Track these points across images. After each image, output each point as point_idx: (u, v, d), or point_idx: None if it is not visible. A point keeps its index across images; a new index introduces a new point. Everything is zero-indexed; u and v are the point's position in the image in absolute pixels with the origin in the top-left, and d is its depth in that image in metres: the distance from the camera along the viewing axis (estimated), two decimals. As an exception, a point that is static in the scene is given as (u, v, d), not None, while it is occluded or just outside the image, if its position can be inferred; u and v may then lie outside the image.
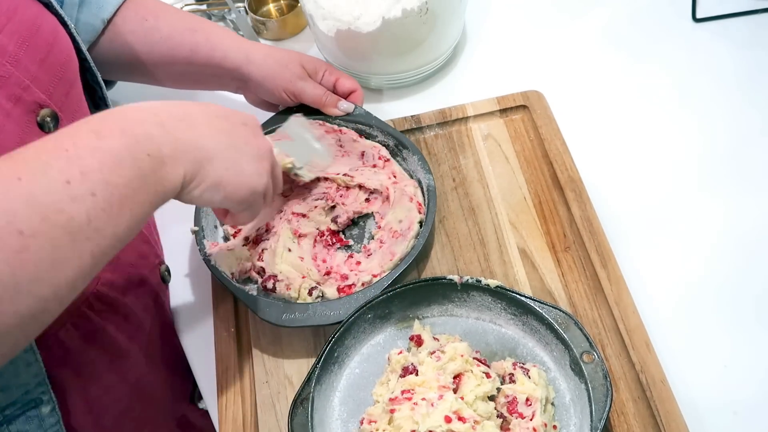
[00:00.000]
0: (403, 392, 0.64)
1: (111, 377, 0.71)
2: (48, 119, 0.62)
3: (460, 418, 0.61)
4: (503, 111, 0.91)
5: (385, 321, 0.74)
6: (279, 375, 0.73)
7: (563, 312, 0.69)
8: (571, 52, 1.00)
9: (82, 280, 0.48)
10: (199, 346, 0.79)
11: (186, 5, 1.12)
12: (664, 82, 0.95)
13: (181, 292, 0.84)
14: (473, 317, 0.74)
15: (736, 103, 0.91)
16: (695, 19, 1.01)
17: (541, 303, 0.70)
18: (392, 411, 0.63)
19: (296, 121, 0.83)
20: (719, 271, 0.78)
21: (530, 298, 0.71)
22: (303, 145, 0.82)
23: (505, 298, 0.72)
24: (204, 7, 1.12)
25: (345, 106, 0.85)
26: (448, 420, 0.60)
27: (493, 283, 0.72)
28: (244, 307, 0.78)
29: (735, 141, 0.88)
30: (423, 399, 0.62)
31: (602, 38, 1.01)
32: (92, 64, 0.75)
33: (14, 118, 0.59)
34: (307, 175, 0.81)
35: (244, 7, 1.07)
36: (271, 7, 1.12)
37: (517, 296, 0.71)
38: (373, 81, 0.97)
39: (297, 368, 0.74)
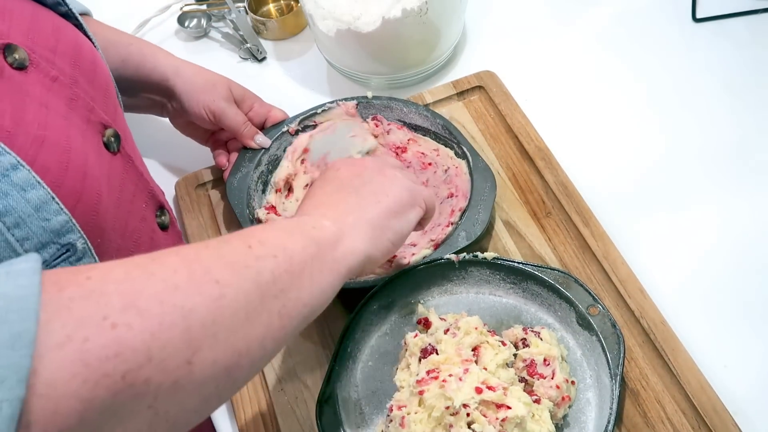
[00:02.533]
0: (428, 372, 0.64)
1: None
2: (112, 139, 0.64)
3: (489, 387, 0.62)
4: (460, 94, 0.93)
5: (389, 310, 0.75)
6: (293, 380, 0.73)
7: (561, 272, 0.72)
8: (572, 52, 1.00)
9: (271, 342, 0.49)
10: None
11: (186, 5, 1.11)
12: (664, 82, 0.95)
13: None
14: (473, 292, 0.76)
15: (735, 102, 0.91)
16: (695, 19, 1.00)
17: (539, 267, 0.73)
18: (421, 392, 0.63)
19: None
20: (715, 269, 0.78)
21: (528, 264, 0.73)
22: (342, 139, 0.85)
23: (503, 268, 0.74)
24: (204, 7, 1.11)
25: (261, 140, 0.85)
26: (479, 391, 0.62)
27: (490, 255, 0.74)
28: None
29: (734, 140, 0.87)
30: (450, 375, 0.63)
31: (603, 38, 1.01)
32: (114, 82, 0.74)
33: (89, 139, 0.59)
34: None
35: (244, 7, 1.07)
36: (271, 7, 1.12)
37: (515, 264, 0.73)
38: (373, 81, 0.97)
39: (310, 370, 0.73)
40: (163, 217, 0.73)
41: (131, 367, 0.38)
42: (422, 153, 0.86)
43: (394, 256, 0.76)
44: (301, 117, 0.88)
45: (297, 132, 0.88)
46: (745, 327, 0.73)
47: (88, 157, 0.58)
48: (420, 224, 0.67)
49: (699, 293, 0.76)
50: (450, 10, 0.91)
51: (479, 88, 0.93)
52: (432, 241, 0.77)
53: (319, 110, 0.88)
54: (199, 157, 0.90)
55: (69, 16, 0.68)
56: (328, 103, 0.88)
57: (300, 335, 0.75)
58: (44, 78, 0.59)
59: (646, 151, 0.88)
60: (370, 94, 0.88)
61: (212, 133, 0.88)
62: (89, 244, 0.55)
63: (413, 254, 0.76)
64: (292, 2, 1.12)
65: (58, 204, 0.53)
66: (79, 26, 0.69)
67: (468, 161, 0.82)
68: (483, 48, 1.02)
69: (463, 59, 1.01)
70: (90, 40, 0.70)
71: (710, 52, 0.97)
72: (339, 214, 0.58)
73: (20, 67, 0.57)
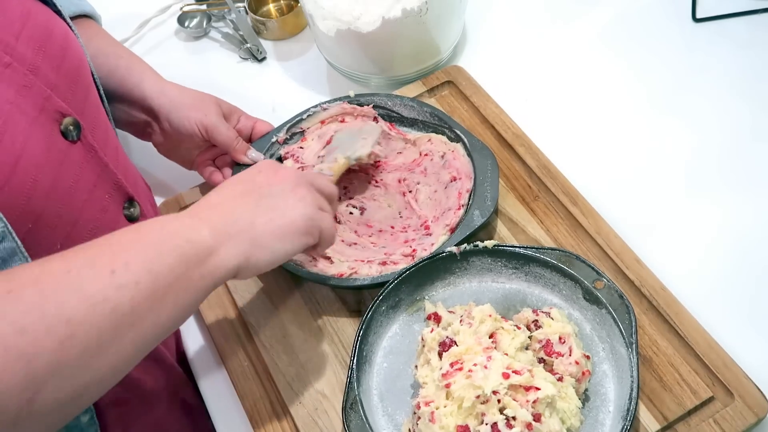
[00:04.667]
0: (452, 365, 0.65)
1: (142, 392, 0.71)
2: (71, 128, 0.63)
3: (515, 372, 0.63)
4: (430, 90, 0.94)
5: (397, 310, 0.75)
6: (310, 391, 0.72)
7: (561, 251, 0.74)
8: (572, 52, 1.01)
9: (124, 367, 0.51)
10: (214, 389, 0.76)
11: (186, 5, 1.10)
12: (664, 82, 0.95)
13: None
14: (476, 282, 0.77)
15: (735, 102, 0.91)
16: (695, 19, 1.00)
17: (539, 249, 0.74)
18: (448, 386, 0.64)
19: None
20: (706, 238, 0.79)
21: (528, 247, 0.74)
22: (348, 133, 0.85)
23: (505, 254, 0.75)
24: (204, 7, 1.09)
25: (254, 155, 0.84)
26: (506, 376, 0.62)
27: (490, 243, 0.75)
28: (251, 341, 0.76)
29: (734, 140, 0.88)
30: (475, 365, 0.64)
31: (603, 38, 1.01)
32: (92, 65, 0.74)
33: (40, 125, 0.58)
34: (363, 153, 0.82)
35: (244, 7, 1.06)
36: (271, 7, 1.12)
37: (516, 249, 0.74)
38: (373, 81, 0.96)
39: (325, 380, 0.73)
40: (132, 209, 0.72)
41: None
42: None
43: (414, 250, 0.77)
44: (287, 125, 0.87)
45: (285, 141, 0.87)
46: (743, 327, 0.74)
47: (29, 142, 0.58)
48: (312, 250, 0.67)
49: (693, 258, 0.79)
50: (450, 11, 0.92)
51: (449, 83, 0.94)
52: (447, 226, 0.78)
53: (304, 116, 0.88)
54: (183, 173, 0.89)
55: (47, 2, 0.68)
56: (312, 108, 0.88)
57: (310, 346, 0.75)
58: None
59: (645, 149, 0.89)
60: (352, 93, 0.88)
61: (198, 154, 0.86)
62: (10, 228, 0.54)
63: (432, 244, 0.77)
64: (292, 2, 1.11)
65: None
66: (58, 12, 0.68)
67: (463, 143, 0.83)
68: (483, 48, 1.03)
69: (463, 59, 1.02)
70: (70, 28, 0.69)
71: (710, 52, 0.98)
72: (225, 223, 0.58)
73: None
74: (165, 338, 0.54)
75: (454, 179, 0.81)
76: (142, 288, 0.49)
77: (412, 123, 0.88)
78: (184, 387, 0.78)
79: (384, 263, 0.77)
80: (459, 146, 0.84)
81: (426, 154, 0.85)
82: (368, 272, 0.76)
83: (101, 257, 0.50)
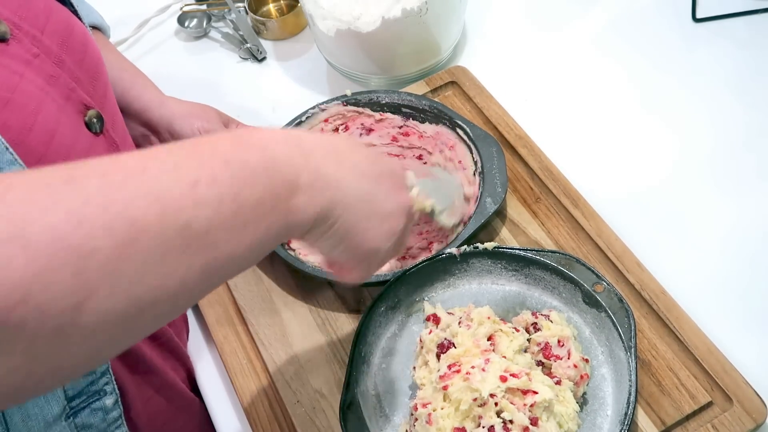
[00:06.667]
0: (449, 367, 0.65)
1: (163, 381, 0.71)
2: (95, 120, 0.62)
3: (513, 375, 0.63)
4: (434, 90, 0.94)
5: (395, 311, 0.75)
6: (308, 391, 0.72)
7: (561, 254, 0.73)
8: (572, 52, 1.00)
9: (185, 298, 0.44)
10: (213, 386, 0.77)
11: (186, 5, 1.10)
12: (664, 82, 0.95)
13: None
14: (475, 283, 0.77)
15: (735, 103, 0.91)
16: (695, 19, 1.00)
17: (539, 251, 0.74)
18: (445, 388, 0.64)
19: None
20: (705, 239, 0.80)
21: (528, 250, 0.74)
22: (447, 186, 0.79)
23: (505, 256, 0.75)
24: (204, 7, 1.10)
25: None
26: (503, 379, 0.62)
27: (490, 245, 0.75)
28: (251, 339, 0.76)
29: (734, 140, 0.88)
30: (473, 367, 0.63)
31: (603, 37, 1.01)
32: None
33: (67, 114, 0.58)
34: (446, 221, 0.74)
35: (244, 7, 1.07)
36: (271, 7, 1.13)
37: (516, 251, 0.74)
38: (373, 81, 0.97)
39: (324, 379, 0.73)
40: None
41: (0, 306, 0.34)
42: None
43: (431, 243, 0.77)
44: (286, 128, 0.87)
45: None
46: (740, 292, 0.76)
47: (59, 127, 0.57)
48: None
49: (694, 262, 0.78)
50: (450, 11, 0.92)
51: (452, 84, 0.94)
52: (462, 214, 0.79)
53: (303, 118, 0.88)
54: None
55: (65, 1, 0.69)
56: (310, 109, 0.88)
57: (309, 345, 0.75)
58: (25, 53, 0.58)
59: (646, 150, 0.89)
60: (349, 92, 0.88)
61: None
62: None
63: (447, 234, 0.77)
64: (292, 2, 1.12)
65: (12, 155, 0.51)
66: (75, 13, 0.69)
67: (466, 133, 0.83)
68: (483, 48, 1.03)
69: (463, 59, 1.01)
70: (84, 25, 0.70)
71: (710, 52, 0.97)
72: (328, 185, 0.50)
73: (1, 39, 0.57)
74: (231, 278, 0.47)
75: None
76: (224, 212, 0.42)
77: (412, 116, 0.88)
78: (194, 379, 0.79)
79: (403, 258, 0.77)
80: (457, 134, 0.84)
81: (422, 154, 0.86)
82: (388, 267, 0.76)
83: (186, 162, 0.43)
